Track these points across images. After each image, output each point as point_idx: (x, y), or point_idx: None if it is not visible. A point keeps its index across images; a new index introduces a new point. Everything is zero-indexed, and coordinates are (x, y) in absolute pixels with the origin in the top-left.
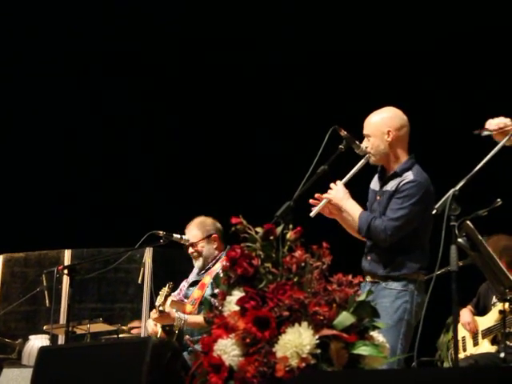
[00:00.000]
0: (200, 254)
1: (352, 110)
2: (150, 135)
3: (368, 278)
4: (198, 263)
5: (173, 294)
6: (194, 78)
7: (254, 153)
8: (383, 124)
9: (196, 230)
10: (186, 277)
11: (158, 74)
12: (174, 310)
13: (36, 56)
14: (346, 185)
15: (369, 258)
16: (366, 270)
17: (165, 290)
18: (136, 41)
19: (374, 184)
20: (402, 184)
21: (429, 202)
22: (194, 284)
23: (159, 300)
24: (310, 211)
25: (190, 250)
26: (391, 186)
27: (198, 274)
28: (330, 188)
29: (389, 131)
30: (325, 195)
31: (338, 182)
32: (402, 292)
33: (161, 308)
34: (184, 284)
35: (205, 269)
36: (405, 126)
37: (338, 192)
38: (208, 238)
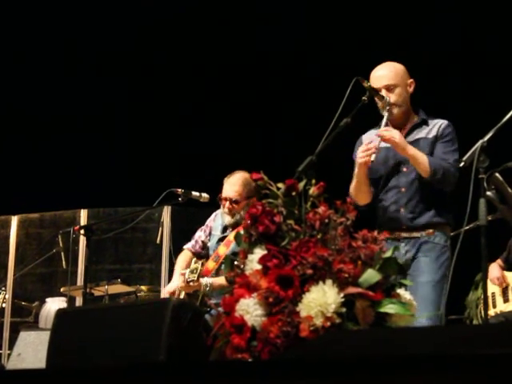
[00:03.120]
0: (235, 212)
1: (372, 62)
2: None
3: (403, 234)
4: (228, 219)
5: (186, 245)
6: (193, 77)
7: (276, 107)
8: (406, 75)
9: (240, 187)
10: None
11: (157, 73)
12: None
13: (36, 56)
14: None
15: (402, 210)
16: (403, 223)
17: (198, 269)
18: (134, 40)
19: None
20: (442, 128)
21: None
22: (221, 240)
23: (190, 276)
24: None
25: (227, 205)
26: (425, 132)
27: (222, 231)
28: (381, 133)
29: (411, 82)
30: (387, 136)
31: (389, 128)
32: (444, 248)
33: (190, 279)
34: (200, 234)
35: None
36: None
37: (398, 134)
38: (249, 199)
